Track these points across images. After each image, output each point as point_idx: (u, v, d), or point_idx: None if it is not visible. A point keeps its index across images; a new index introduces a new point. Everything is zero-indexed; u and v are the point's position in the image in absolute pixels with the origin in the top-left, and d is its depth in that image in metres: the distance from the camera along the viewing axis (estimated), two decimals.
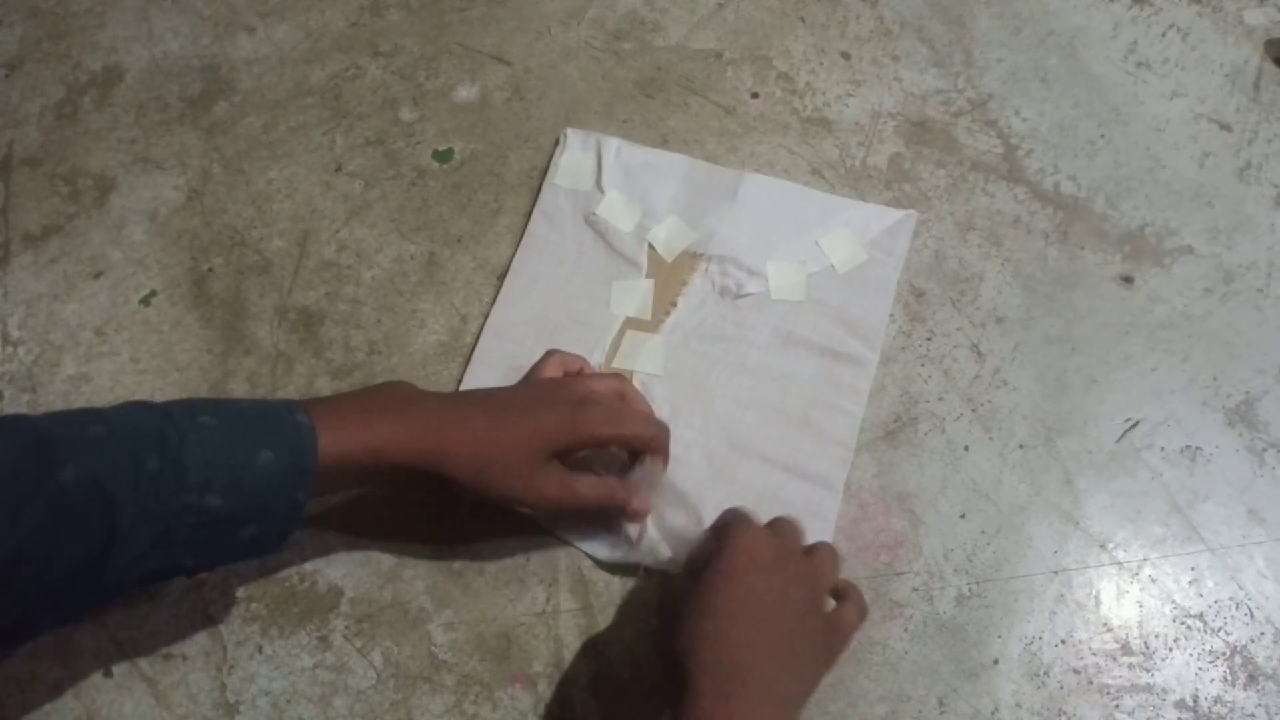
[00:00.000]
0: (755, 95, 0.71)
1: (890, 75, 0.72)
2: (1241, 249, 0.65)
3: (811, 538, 0.53)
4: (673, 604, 0.48)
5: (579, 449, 0.52)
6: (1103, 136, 0.69)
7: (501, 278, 0.65)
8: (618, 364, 0.62)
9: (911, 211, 0.66)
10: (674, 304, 0.63)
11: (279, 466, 0.46)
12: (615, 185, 0.67)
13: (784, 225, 0.65)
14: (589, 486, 0.53)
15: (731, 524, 0.50)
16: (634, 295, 0.64)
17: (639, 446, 0.54)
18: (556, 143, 0.69)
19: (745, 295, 0.63)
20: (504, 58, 0.74)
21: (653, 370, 0.61)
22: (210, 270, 0.66)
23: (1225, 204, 0.67)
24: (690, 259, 0.65)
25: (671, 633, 0.47)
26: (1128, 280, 0.65)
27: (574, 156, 0.68)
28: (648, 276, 0.64)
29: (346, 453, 0.48)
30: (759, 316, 0.63)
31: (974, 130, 0.70)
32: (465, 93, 0.72)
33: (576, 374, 0.57)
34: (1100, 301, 0.64)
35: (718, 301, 0.63)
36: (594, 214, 0.66)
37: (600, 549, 0.57)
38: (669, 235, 0.65)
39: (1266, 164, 0.68)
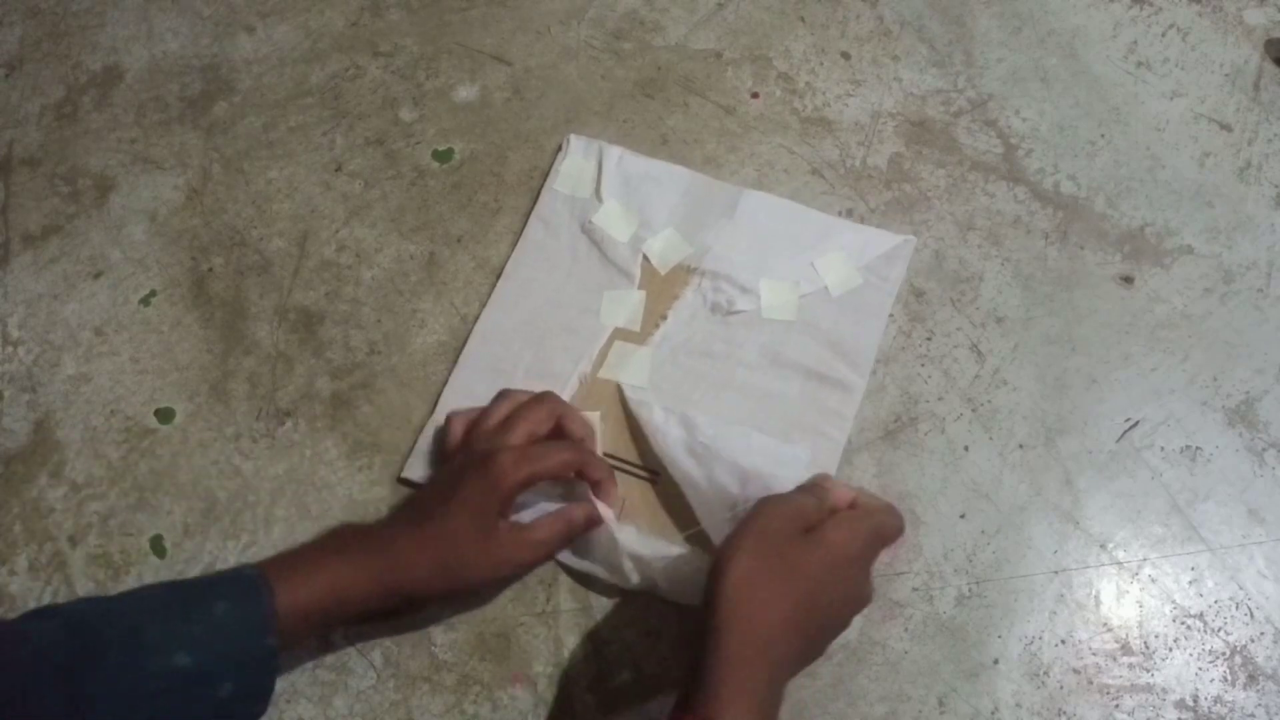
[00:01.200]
0: (755, 95, 0.71)
1: (890, 75, 0.72)
2: (1241, 249, 0.65)
3: None
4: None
5: (510, 500, 0.52)
6: (1103, 136, 0.69)
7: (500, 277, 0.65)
8: (604, 374, 0.61)
9: (910, 237, 0.65)
10: (664, 317, 0.63)
11: (238, 614, 0.46)
12: (614, 194, 0.66)
13: (780, 244, 0.65)
14: (544, 531, 0.53)
15: (849, 517, 0.50)
16: (624, 306, 0.63)
17: (557, 475, 0.54)
18: (559, 147, 0.69)
19: (736, 312, 0.63)
20: (504, 58, 0.74)
21: (638, 382, 0.61)
22: (210, 270, 0.66)
23: (1225, 204, 0.67)
24: (683, 273, 0.64)
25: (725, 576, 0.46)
26: (1128, 280, 0.65)
27: (575, 162, 0.68)
28: (640, 288, 0.64)
29: (303, 598, 0.48)
30: (748, 335, 0.62)
31: (974, 130, 0.70)
32: (465, 93, 0.72)
33: (476, 421, 0.56)
34: (1100, 301, 0.64)
35: (708, 317, 0.63)
36: (591, 222, 0.66)
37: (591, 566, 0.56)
38: (664, 248, 0.65)
39: (1266, 164, 0.68)
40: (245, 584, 0.48)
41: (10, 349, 0.64)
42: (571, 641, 0.55)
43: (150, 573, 0.57)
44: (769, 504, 0.50)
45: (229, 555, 0.58)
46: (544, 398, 0.56)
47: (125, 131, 0.71)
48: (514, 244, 0.66)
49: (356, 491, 0.59)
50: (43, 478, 0.60)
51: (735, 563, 0.46)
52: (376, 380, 0.63)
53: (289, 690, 0.54)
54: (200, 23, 0.76)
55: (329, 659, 0.55)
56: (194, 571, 0.57)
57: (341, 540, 0.53)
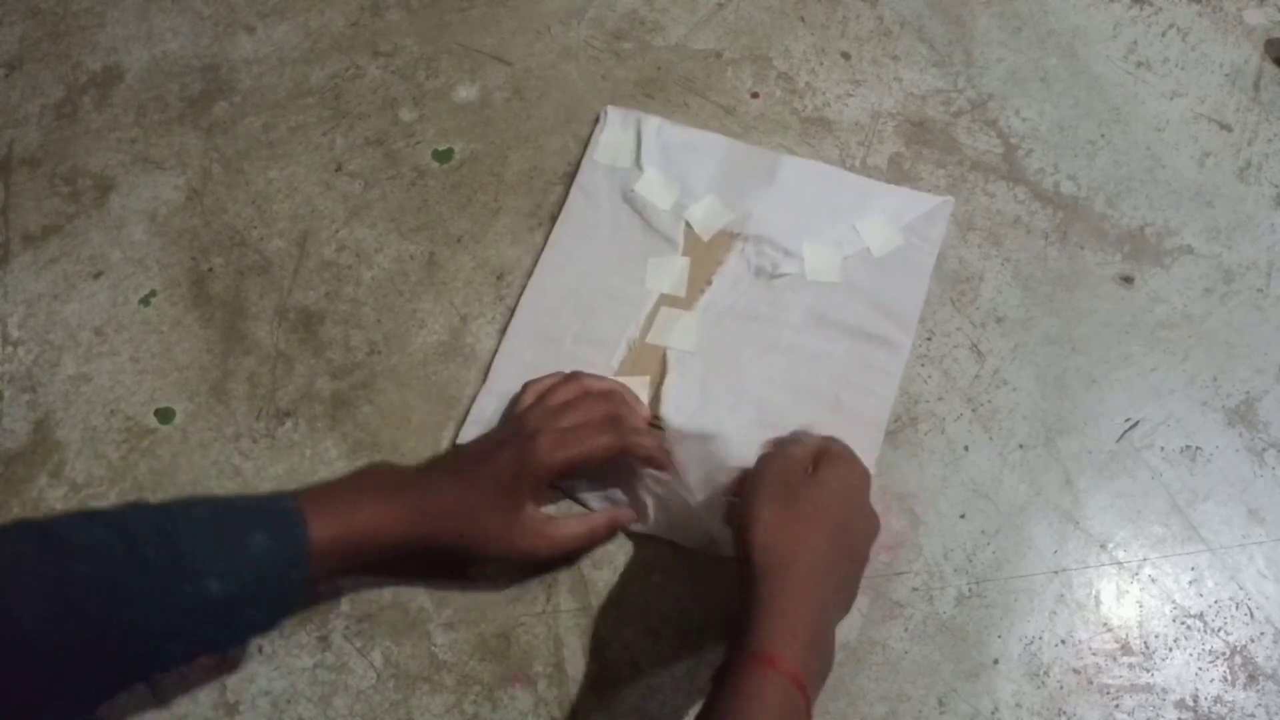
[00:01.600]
0: (755, 95, 0.71)
1: (890, 75, 0.72)
2: (1241, 249, 0.65)
3: None
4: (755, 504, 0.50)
5: (542, 481, 0.53)
6: (1103, 136, 0.69)
7: (501, 277, 0.65)
8: (651, 340, 0.62)
9: (949, 198, 0.66)
10: (709, 282, 0.64)
11: (272, 547, 0.48)
12: (654, 163, 0.67)
13: (821, 208, 0.65)
14: (568, 529, 0.54)
15: (837, 453, 0.52)
16: (669, 272, 0.64)
17: (595, 461, 0.54)
18: (596, 119, 0.69)
19: (780, 276, 0.63)
20: (504, 58, 0.74)
21: (685, 347, 0.61)
22: (210, 270, 0.66)
23: (1225, 204, 0.67)
24: (726, 238, 0.65)
25: (748, 531, 0.48)
26: (1128, 280, 0.65)
27: (614, 134, 0.68)
28: (684, 254, 0.64)
29: (336, 533, 0.49)
30: (793, 297, 0.63)
31: (974, 130, 0.70)
32: (465, 93, 0.72)
33: (543, 395, 0.57)
34: (1100, 301, 0.64)
35: (752, 281, 0.64)
36: (632, 191, 0.66)
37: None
38: (706, 214, 0.66)
39: (1266, 164, 0.68)
40: (283, 517, 0.49)
41: (10, 349, 0.64)
42: (571, 641, 0.55)
43: None
44: (770, 460, 0.52)
45: None
46: (609, 397, 0.56)
47: (125, 131, 0.71)
48: (514, 243, 0.66)
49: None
50: (43, 478, 0.60)
51: (761, 514, 0.48)
52: (376, 380, 0.63)
53: (289, 690, 0.54)
54: (200, 23, 0.76)
55: (329, 659, 0.55)
56: None
57: (377, 479, 0.53)
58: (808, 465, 0.51)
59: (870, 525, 0.52)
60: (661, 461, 0.56)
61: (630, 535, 0.58)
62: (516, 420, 0.55)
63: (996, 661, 0.55)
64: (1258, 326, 0.63)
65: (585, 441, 0.53)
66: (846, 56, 0.73)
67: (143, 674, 0.48)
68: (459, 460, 0.55)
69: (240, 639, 0.51)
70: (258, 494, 0.52)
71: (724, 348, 0.62)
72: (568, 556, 0.56)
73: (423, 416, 0.61)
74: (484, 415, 0.60)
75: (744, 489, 0.51)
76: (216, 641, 0.49)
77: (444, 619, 0.56)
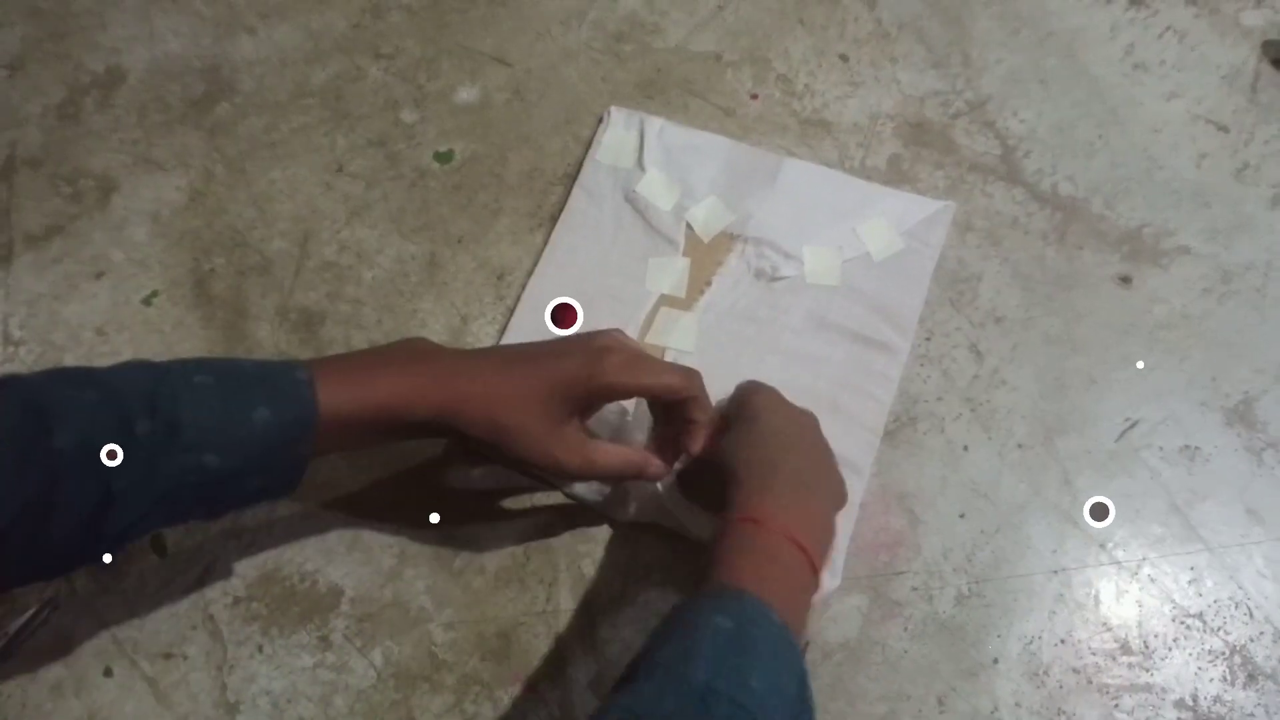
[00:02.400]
0: (754, 97, 0.72)
1: (889, 77, 0.72)
2: (1239, 249, 0.66)
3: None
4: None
5: (597, 400, 0.51)
6: (1100, 137, 0.70)
7: (501, 278, 0.66)
8: (651, 340, 0.62)
9: (950, 203, 0.66)
10: (709, 283, 0.64)
11: (277, 422, 0.45)
12: (656, 164, 0.67)
13: (822, 211, 0.66)
14: (606, 455, 0.52)
15: (748, 394, 0.56)
16: (670, 273, 0.64)
17: (660, 395, 0.52)
18: (600, 120, 0.70)
19: (780, 278, 0.64)
20: (504, 59, 0.74)
21: (685, 347, 0.62)
22: (212, 270, 0.67)
23: (1223, 204, 0.67)
24: (727, 240, 0.65)
25: (719, 453, 0.52)
26: (1126, 280, 0.65)
27: (617, 134, 0.69)
28: (684, 255, 0.65)
29: (349, 408, 0.46)
30: (793, 300, 0.63)
31: (972, 131, 0.70)
32: (466, 94, 0.73)
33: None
34: (1099, 301, 0.64)
35: (752, 283, 0.64)
36: (634, 191, 0.66)
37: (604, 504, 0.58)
38: (707, 215, 0.66)
39: (1264, 165, 0.68)
40: (292, 387, 0.46)
41: (12, 349, 0.64)
42: (572, 641, 0.55)
43: (150, 571, 0.58)
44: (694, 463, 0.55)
45: (230, 554, 0.58)
46: (693, 374, 0.54)
47: (127, 132, 0.72)
48: (515, 244, 0.67)
49: (356, 490, 0.59)
50: None
51: (731, 447, 0.51)
52: None
53: (289, 690, 0.54)
54: (201, 23, 0.76)
55: (329, 658, 0.55)
56: (195, 570, 0.58)
57: (406, 351, 0.51)
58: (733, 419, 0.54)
59: (808, 418, 0.55)
60: (696, 438, 0.54)
61: (629, 536, 0.58)
62: (589, 335, 0.52)
63: (996, 661, 0.55)
64: (1256, 326, 0.63)
65: (658, 374, 0.51)
66: (845, 58, 0.73)
67: (139, 536, 0.45)
68: (513, 353, 0.52)
69: (241, 506, 0.49)
70: (271, 360, 0.47)
71: (723, 349, 0.62)
72: (595, 477, 0.55)
73: None
74: None
75: (715, 449, 0.53)
76: (214, 510, 0.47)
77: (444, 619, 0.56)
